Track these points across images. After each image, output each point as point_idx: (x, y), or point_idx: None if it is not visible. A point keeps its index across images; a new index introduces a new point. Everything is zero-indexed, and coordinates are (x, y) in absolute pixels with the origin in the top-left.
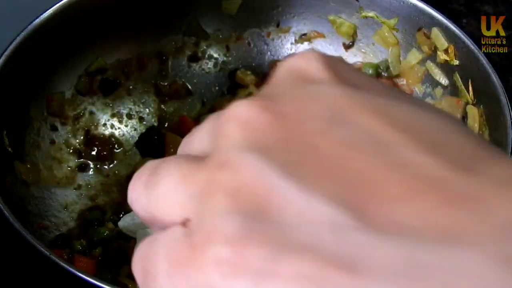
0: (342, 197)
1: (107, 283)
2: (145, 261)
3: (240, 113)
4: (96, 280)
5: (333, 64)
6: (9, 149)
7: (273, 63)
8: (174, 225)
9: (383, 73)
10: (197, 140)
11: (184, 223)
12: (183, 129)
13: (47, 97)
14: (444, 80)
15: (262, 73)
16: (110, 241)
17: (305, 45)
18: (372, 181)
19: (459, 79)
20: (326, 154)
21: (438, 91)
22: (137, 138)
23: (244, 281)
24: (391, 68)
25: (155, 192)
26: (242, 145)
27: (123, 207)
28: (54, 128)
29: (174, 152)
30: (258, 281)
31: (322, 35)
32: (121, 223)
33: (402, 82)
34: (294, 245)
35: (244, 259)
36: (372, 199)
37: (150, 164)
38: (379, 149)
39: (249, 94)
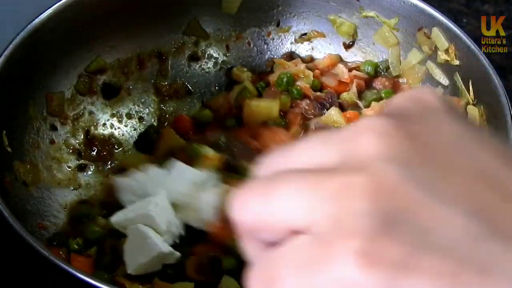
0: (475, 210)
1: (105, 283)
2: (267, 271)
3: (376, 127)
4: (95, 280)
5: (446, 99)
6: (9, 149)
7: (271, 62)
8: (286, 233)
9: (383, 73)
10: (310, 153)
11: (303, 231)
12: (179, 126)
13: (47, 97)
14: (444, 80)
15: (259, 71)
16: (103, 239)
17: (305, 45)
18: (497, 204)
19: (460, 79)
20: (458, 173)
21: (439, 91)
22: (136, 138)
23: (382, 272)
24: (391, 69)
25: (275, 199)
26: (382, 154)
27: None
28: (54, 128)
29: (169, 147)
30: (397, 273)
31: (322, 35)
32: (113, 219)
33: (402, 81)
34: (432, 245)
35: (384, 253)
36: (502, 214)
37: (262, 176)
38: (496, 182)
39: (244, 89)
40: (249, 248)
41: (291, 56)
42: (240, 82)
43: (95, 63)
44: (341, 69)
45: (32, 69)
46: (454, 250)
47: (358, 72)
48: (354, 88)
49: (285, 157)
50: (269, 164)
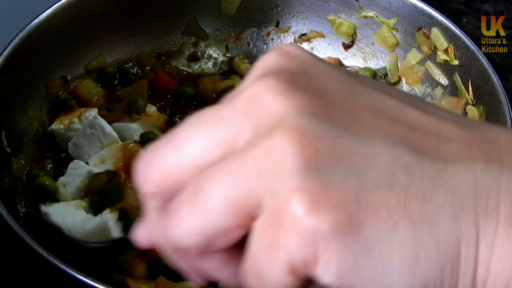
0: (396, 141)
1: (105, 284)
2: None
3: (272, 87)
4: (94, 281)
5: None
6: (8, 149)
7: None
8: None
9: (381, 80)
10: (204, 141)
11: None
12: (159, 83)
13: (47, 85)
14: (444, 80)
15: None
16: None
17: (305, 45)
18: (410, 131)
19: (459, 79)
20: (364, 113)
21: (438, 91)
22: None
23: (334, 213)
24: (389, 76)
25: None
26: (290, 111)
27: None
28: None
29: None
30: (351, 211)
31: (321, 35)
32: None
33: (402, 82)
34: (374, 184)
35: (332, 198)
36: (419, 139)
37: (148, 193)
38: (399, 114)
39: (230, 88)
40: (150, 206)
41: None
42: (239, 72)
43: (96, 61)
44: None
45: (31, 69)
46: (394, 183)
47: None
48: None
49: (175, 152)
50: (153, 170)
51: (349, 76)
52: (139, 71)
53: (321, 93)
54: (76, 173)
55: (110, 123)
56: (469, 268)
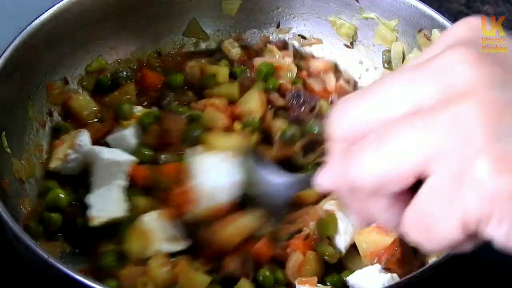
0: None
1: (105, 285)
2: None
3: (465, 57)
4: (95, 283)
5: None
6: (8, 149)
7: (265, 41)
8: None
9: (384, 65)
10: (400, 95)
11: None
12: (147, 81)
13: (47, 87)
14: None
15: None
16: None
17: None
18: None
19: None
20: None
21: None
22: None
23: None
24: (393, 63)
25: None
26: (481, 81)
27: None
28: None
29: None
30: None
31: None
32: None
33: None
34: None
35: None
36: None
37: (340, 137)
38: None
39: (211, 77)
40: (335, 149)
41: (284, 45)
42: (228, 56)
43: (96, 62)
44: (330, 77)
45: (32, 70)
46: None
47: (344, 84)
48: (335, 99)
49: (368, 104)
50: (347, 118)
51: None
52: (129, 75)
53: (506, 65)
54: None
55: (104, 135)
56: None
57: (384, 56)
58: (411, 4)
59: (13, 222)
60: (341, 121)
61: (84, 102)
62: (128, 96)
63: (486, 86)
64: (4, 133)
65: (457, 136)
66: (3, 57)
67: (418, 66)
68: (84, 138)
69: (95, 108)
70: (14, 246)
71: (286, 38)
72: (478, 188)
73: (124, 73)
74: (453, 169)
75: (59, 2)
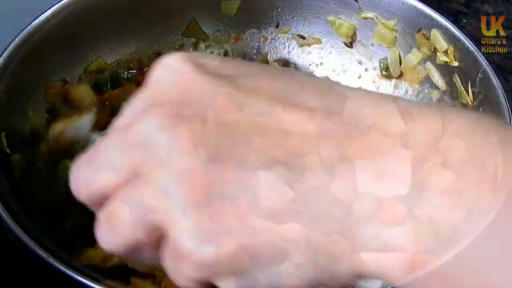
0: (268, 159)
1: (105, 284)
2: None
3: (157, 124)
4: (97, 284)
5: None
6: (7, 150)
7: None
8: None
9: (382, 73)
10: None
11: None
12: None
13: (46, 85)
14: (443, 82)
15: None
16: None
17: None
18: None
19: (459, 80)
20: (242, 139)
21: (437, 92)
22: None
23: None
24: (391, 70)
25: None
26: (174, 149)
27: None
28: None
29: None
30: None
31: (318, 41)
32: None
33: (401, 82)
34: (260, 210)
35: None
36: (283, 151)
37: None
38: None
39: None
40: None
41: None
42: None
43: (96, 62)
44: None
45: (31, 70)
46: (280, 210)
47: None
48: None
49: (91, 170)
50: (78, 183)
51: (234, 89)
52: (129, 76)
53: (204, 120)
54: None
55: (100, 130)
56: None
57: (381, 64)
58: (410, 4)
59: (13, 222)
60: (77, 188)
61: (85, 94)
62: (128, 96)
63: (180, 154)
64: (3, 133)
65: (161, 210)
66: (2, 58)
67: (122, 129)
68: (86, 121)
69: (94, 100)
70: (14, 246)
71: (286, 38)
72: (190, 260)
73: (125, 73)
74: (170, 243)
75: (59, 2)
